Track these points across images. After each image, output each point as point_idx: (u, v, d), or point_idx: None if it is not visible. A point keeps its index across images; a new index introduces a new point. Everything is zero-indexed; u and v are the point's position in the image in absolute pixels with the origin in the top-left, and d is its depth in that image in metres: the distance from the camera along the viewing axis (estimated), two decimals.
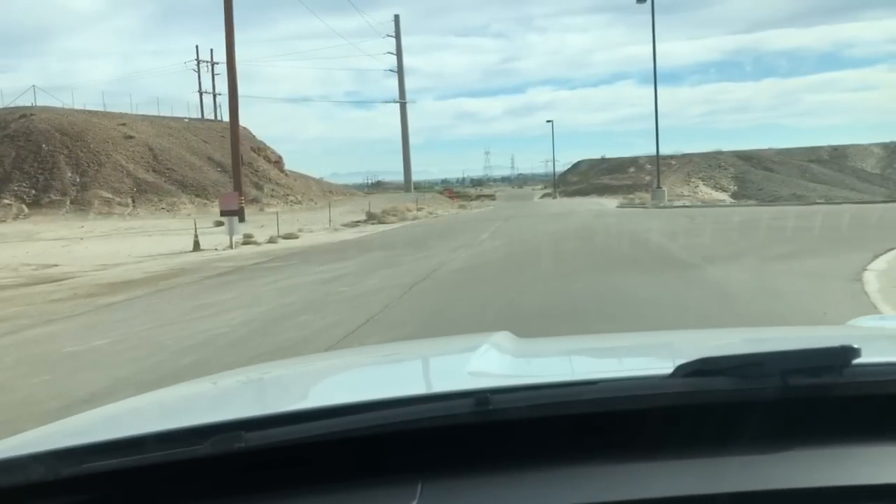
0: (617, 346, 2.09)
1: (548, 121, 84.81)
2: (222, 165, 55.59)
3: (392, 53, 79.56)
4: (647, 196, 50.82)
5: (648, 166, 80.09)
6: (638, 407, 1.05)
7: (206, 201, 49.91)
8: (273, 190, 54.44)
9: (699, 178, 69.29)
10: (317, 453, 1.03)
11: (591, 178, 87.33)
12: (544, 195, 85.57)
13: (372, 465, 1.03)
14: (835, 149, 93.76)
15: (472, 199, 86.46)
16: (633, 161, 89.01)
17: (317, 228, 32.72)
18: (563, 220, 29.20)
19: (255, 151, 60.25)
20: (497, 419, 1.02)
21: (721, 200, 48.98)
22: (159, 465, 0.99)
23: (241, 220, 39.07)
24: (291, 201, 53.66)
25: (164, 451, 0.99)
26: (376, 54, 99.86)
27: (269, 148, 62.96)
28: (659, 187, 40.48)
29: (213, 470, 1.02)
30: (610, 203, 49.70)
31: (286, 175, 62.16)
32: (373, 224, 35.50)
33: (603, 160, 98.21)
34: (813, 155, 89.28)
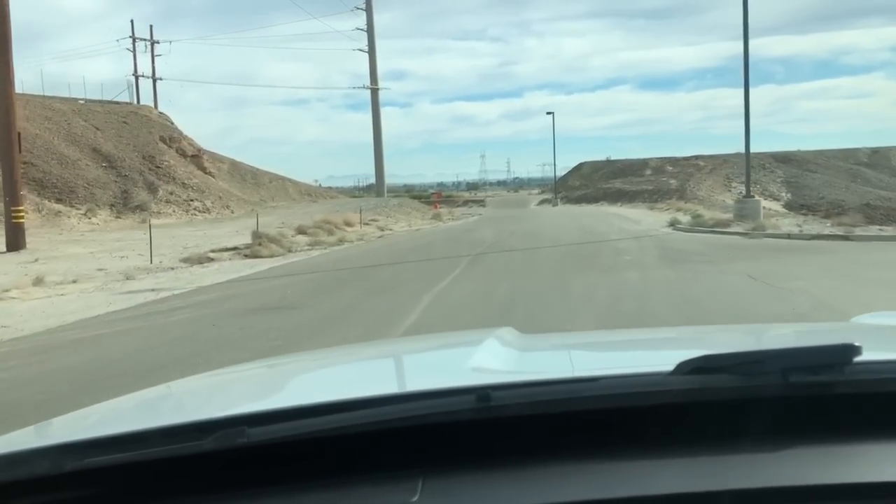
0: (619, 343, 2.00)
1: (548, 113, 67.84)
2: (111, 159, 38.71)
3: (362, 30, 62.79)
4: (696, 208, 33.79)
5: (669, 168, 63.04)
6: (639, 404, 1.01)
7: (64, 208, 33.08)
8: (172, 193, 37.55)
9: (741, 182, 52.23)
10: (318, 449, 0.99)
11: (596, 181, 70.30)
12: (542, 201, 68.38)
13: (373, 461, 0.99)
14: (875, 151, 77.76)
15: (458, 205, 70.09)
16: (644, 163, 72.28)
17: (115, 269, 15.96)
18: (599, 263, 12.54)
19: (164, 142, 43.47)
20: (498, 415, 0.98)
21: (798, 218, 31.87)
22: (162, 460, 0.95)
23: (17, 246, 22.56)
24: (195, 209, 36.81)
25: (168, 446, 0.96)
26: (346, 30, 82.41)
27: (186, 138, 46.07)
28: (750, 196, 23.33)
29: (216, 465, 0.98)
30: (642, 216, 32.75)
31: (212, 174, 45.33)
32: (241, 258, 18.62)
33: (608, 162, 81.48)
34: (850, 157, 73.00)
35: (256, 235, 21.99)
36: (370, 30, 62.47)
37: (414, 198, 76.55)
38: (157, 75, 57.49)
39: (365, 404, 1.01)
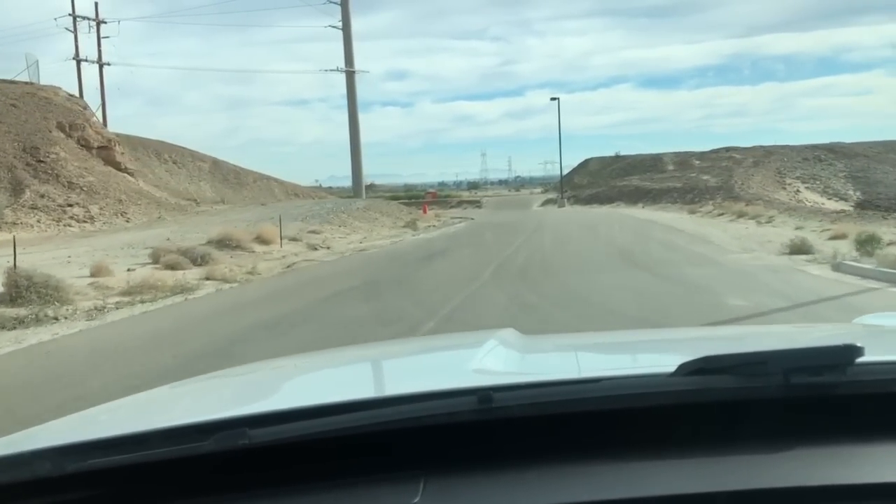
0: (621, 344, 1.92)
1: (552, 98, 56.51)
2: None
3: (335, 2, 51.69)
4: (768, 212, 22.75)
5: (697, 162, 51.77)
6: (641, 405, 0.98)
7: None
8: (44, 196, 26.52)
9: (796, 177, 40.94)
10: (320, 450, 0.96)
11: (607, 179, 59.00)
12: (546, 202, 57.04)
13: (375, 462, 0.96)
14: None
15: (451, 206, 59.28)
16: (657, 158, 61.33)
17: None
18: None
19: (63, 130, 32.48)
20: (500, 417, 0.95)
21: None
22: (163, 461, 0.92)
23: None
24: (73, 217, 25.83)
25: (169, 447, 0.93)
26: (316, 4, 70.15)
27: (94, 126, 35.04)
28: None
29: (217, 466, 0.95)
30: (694, 225, 21.69)
31: (128, 171, 34.37)
32: None
33: (617, 157, 70.81)
34: (891, 149, 61.96)
35: (11, 281, 11.05)
36: (344, 2, 51.40)
37: (399, 198, 65.47)
38: (104, 60, 46.60)
39: (366, 405, 0.98)
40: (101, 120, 39.73)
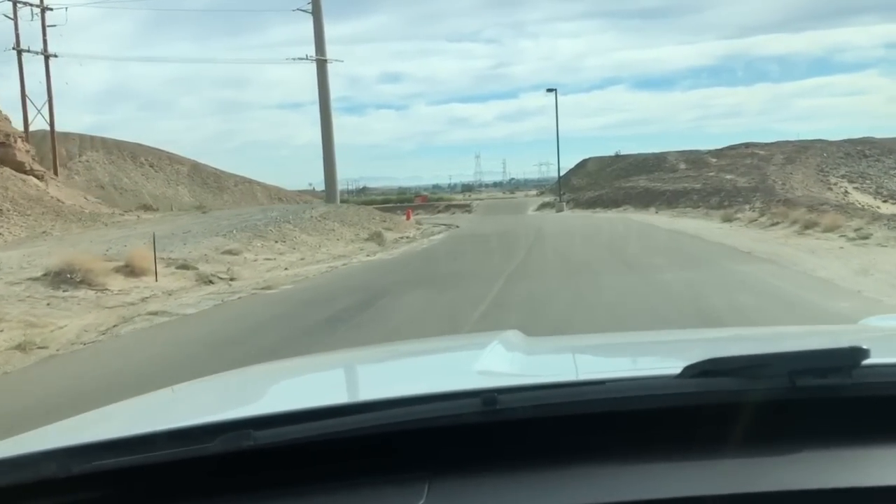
0: (626, 345, 1.89)
1: (549, 90, 50.19)
2: None
3: None
4: (854, 221, 16.09)
5: (713, 160, 45.15)
6: (646, 407, 0.96)
7: None
8: None
9: (841, 176, 34.31)
10: (325, 452, 0.95)
11: (608, 180, 52.43)
12: (542, 205, 50.39)
13: (380, 464, 0.95)
14: None
15: (438, 211, 53.26)
16: (661, 157, 55.14)
17: None
18: None
19: None
20: (504, 419, 0.94)
21: None
22: (169, 462, 0.92)
23: None
24: None
25: (175, 448, 0.92)
26: None
27: None
28: None
29: (223, 468, 0.94)
30: (846, 273, 15.12)
31: (35, 174, 27.73)
32: None
33: (617, 157, 64.84)
34: None
35: None
36: None
37: (391, 201, 59.32)
38: (49, 51, 39.82)
39: (371, 407, 0.97)
40: (45, 117, 33.41)
